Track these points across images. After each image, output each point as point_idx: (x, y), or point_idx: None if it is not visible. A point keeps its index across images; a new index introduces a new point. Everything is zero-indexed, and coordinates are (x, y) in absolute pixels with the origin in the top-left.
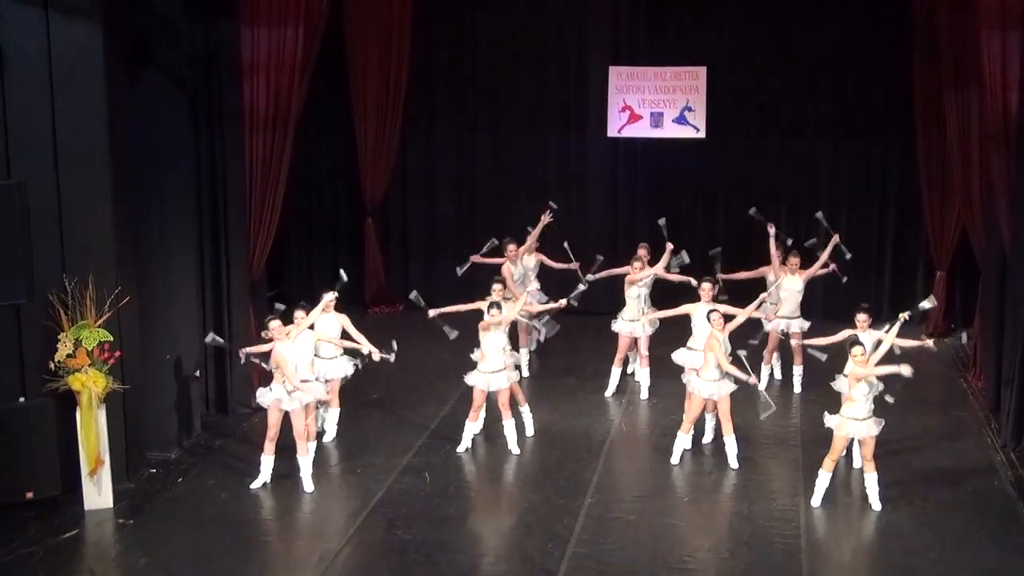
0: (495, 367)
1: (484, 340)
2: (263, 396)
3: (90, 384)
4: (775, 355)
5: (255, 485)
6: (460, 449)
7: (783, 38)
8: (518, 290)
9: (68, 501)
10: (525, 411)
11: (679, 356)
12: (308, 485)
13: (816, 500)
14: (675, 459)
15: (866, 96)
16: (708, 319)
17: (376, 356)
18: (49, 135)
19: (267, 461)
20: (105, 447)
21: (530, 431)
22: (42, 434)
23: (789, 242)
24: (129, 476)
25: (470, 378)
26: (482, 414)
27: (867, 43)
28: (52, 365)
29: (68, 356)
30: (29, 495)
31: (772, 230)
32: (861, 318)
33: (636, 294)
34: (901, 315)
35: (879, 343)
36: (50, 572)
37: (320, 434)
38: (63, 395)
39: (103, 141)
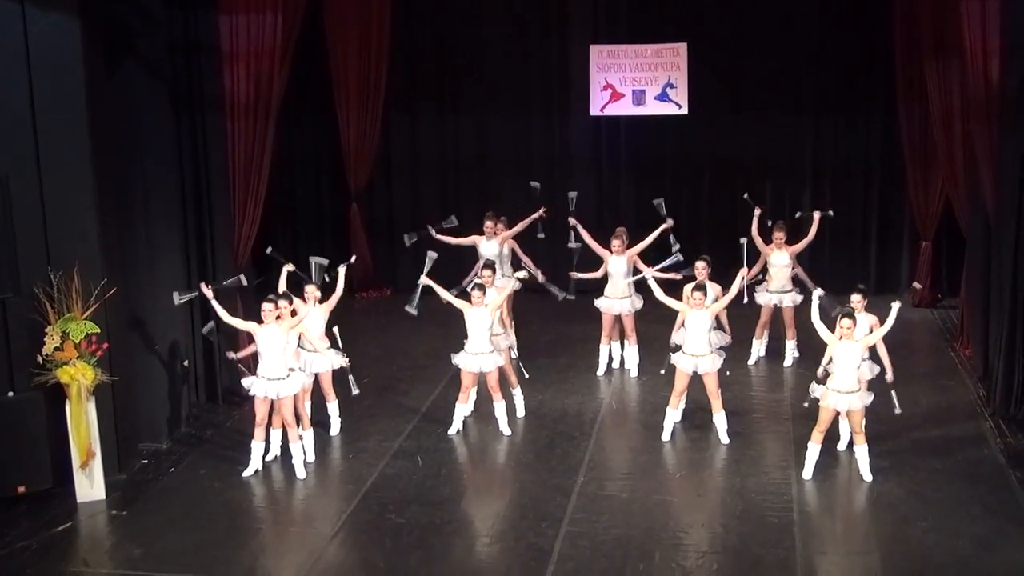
0: (482, 349)
1: (470, 322)
2: (250, 383)
3: (79, 376)
4: (766, 330)
5: (247, 473)
6: (451, 431)
7: (763, 12)
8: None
9: (60, 494)
10: (516, 393)
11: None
12: (300, 471)
13: (807, 472)
14: (666, 435)
15: (848, 69)
16: (691, 296)
17: (344, 362)
18: (29, 127)
19: (257, 448)
20: (96, 439)
21: (521, 412)
22: (32, 428)
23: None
24: (121, 468)
25: (457, 359)
26: (472, 396)
27: (848, 15)
28: (40, 359)
29: (56, 349)
30: (21, 489)
31: (757, 212)
32: (856, 299)
33: (621, 272)
34: (894, 305)
35: (871, 330)
36: (44, 565)
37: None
38: (52, 388)
39: (84, 132)
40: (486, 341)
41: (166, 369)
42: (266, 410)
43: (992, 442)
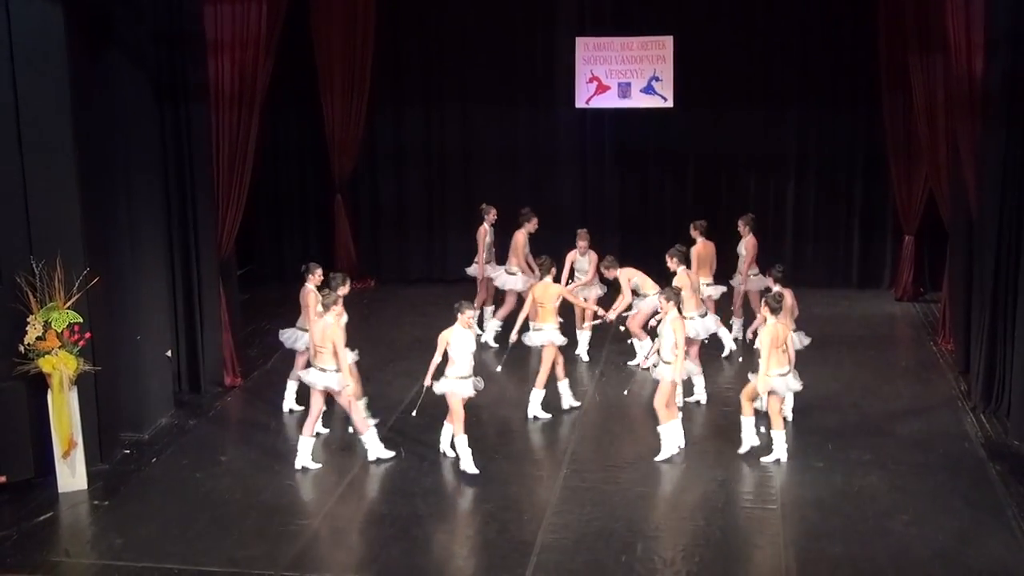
0: (467, 372)
1: (455, 345)
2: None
3: (61, 366)
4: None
5: (297, 466)
6: (441, 449)
7: (748, 6)
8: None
9: (42, 484)
10: (564, 385)
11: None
12: (300, 463)
13: (781, 457)
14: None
15: (832, 63)
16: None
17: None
18: (12, 116)
19: (306, 443)
20: (78, 429)
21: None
22: (14, 417)
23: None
24: (103, 457)
25: (441, 387)
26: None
27: (832, 9)
28: (22, 348)
29: (38, 339)
30: (2, 479)
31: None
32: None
33: (584, 268)
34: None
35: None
36: (25, 555)
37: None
38: (34, 378)
39: (67, 121)
40: (469, 366)
41: (149, 359)
42: (322, 403)
43: (973, 436)
